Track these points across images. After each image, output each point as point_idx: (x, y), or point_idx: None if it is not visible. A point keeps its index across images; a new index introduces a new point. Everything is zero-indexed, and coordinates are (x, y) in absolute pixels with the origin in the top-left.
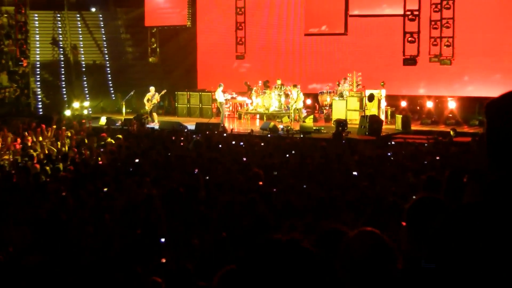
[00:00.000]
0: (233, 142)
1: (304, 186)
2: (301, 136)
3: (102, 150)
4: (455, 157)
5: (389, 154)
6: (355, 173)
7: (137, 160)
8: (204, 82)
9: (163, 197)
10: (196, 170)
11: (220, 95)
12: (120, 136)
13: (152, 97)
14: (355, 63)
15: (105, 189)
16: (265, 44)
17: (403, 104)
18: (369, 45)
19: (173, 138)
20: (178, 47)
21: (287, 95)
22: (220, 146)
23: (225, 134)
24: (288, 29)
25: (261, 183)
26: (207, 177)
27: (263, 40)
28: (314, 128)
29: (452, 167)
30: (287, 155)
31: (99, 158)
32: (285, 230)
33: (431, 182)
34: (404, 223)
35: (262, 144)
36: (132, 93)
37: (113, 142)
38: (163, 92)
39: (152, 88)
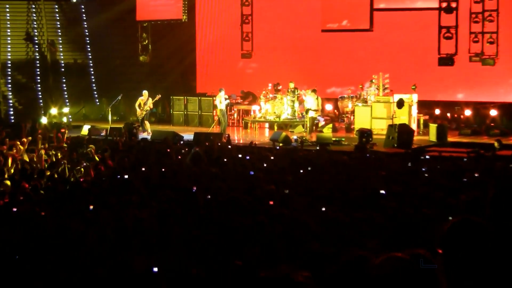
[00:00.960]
0: (239, 156)
1: (323, 209)
2: (318, 148)
3: (84, 164)
4: (501, 174)
5: (421, 170)
6: (382, 191)
7: (126, 176)
8: (204, 85)
9: (155, 220)
10: (195, 188)
11: (222, 101)
12: (106, 148)
13: (144, 102)
14: (381, 63)
15: (91, 207)
16: (275, 41)
17: (438, 111)
18: (398, 42)
19: (168, 150)
20: (174, 45)
21: (301, 101)
22: (223, 160)
23: (229, 146)
24: (303, 23)
25: (271, 202)
26: (208, 196)
27: (273, 36)
28: (334, 139)
29: (497, 185)
30: (301, 171)
31: (81, 174)
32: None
33: (472, 203)
34: (440, 251)
35: (272, 157)
36: (119, 97)
37: (98, 155)
38: (157, 98)
39: (145, 93)
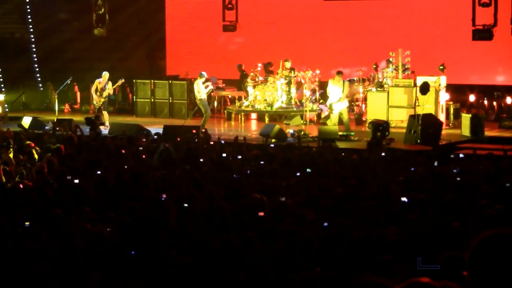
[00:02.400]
0: (224, 155)
1: (325, 224)
2: (321, 145)
3: (24, 166)
4: None
5: (451, 172)
6: (404, 199)
7: (76, 181)
8: (176, 66)
9: (113, 236)
10: (164, 196)
11: (201, 89)
12: (51, 145)
13: (102, 87)
14: (400, 37)
15: (27, 224)
16: (266, 10)
17: (473, 98)
18: (422, 10)
19: (129, 147)
20: (138, 15)
21: (299, 84)
22: (200, 160)
23: (211, 143)
24: None
25: (261, 214)
26: (181, 206)
27: (263, 3)
28: (340, 133)
29: None
30: (298, 174)
31: (19, 179)
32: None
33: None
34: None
35: (262, 160)
36: (68, 81)
37: (39, 154)
38: (119, 83)
39: (104, 74)
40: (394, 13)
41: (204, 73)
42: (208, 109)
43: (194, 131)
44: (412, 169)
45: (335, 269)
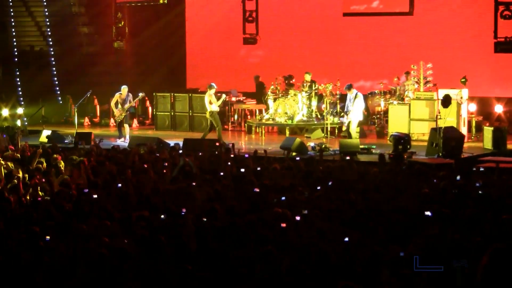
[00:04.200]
0: (242, 170)
1: (346, 239)
2: (342, 158)
3: (44, 180)
4: None
5: (474, 186)
6: (428, 213)
7: (95, 196)
8: (196, 79)
9: (133, 251)
10: (184, 211)
11: (213, 101)
12: (76, 157)
13: (124, 100)
14: (422, 49)
15: (47, 238)
16: (287, 22)
17: (497, 109)
18: (443, 22)
19: (149, 161)
20: (158, 28)
21: (320, 97)
22: (220, 174)
23: (232, 155)
24: (321, 4)
25: (284, 225)
26: (201, 221)
27: (284, 15)
28: (362, 146)
29: None
30: (319, 187)
31: (40, 192)
32: None
33: None
34: None
35: (283, 170)
36: (88, 94)
37: (62, 166)
38: (140, 96)
39: (124, 88)
40: (415, 25)
41: (213, 84)
42: (219, 122)
43: (217, 143)
44: (434, 182)
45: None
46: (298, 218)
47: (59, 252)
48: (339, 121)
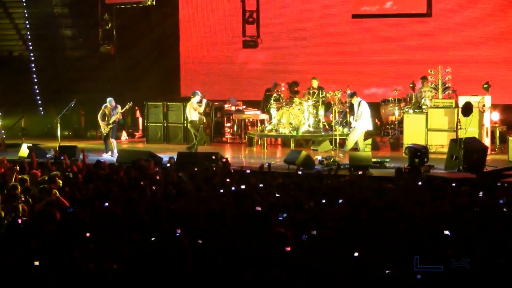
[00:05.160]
0: (242, 187)
1: (355, 254)
2: (352, 173)
3: (23, 199)
4: None
5: (498, 202)
6: (447, 232)
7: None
8: (191, 87)
9: (121, 276)
10: (179, 231)
11: (192, 110)
12: (57, 173)
13: (111, 112)
14: (440, 52)
15: (36, 263)
16: (291, 25)
17: None
18: (464, 24)
19: (140, 177)
20: (149, 30)
21: (328, 106)
22: (219, 191)
23: (231, 171)
24: (328, 5)
25: (288, 249)
26: (198, 242)
27: (288, 16)
28: (374, 160)
29: None
30: (328, 205)
31: (19, 213)
32: None
33: None
34: None
35: (287, 190)
36: (72, 103)
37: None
38: (127, 106)
39: (109, 100)
40: (432, 27)
41: (198, 91)
42: (202, 133)
43: (213, 157)
44: (454, 199)
45: None
46: (304, 238)
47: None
48: (349, 132)
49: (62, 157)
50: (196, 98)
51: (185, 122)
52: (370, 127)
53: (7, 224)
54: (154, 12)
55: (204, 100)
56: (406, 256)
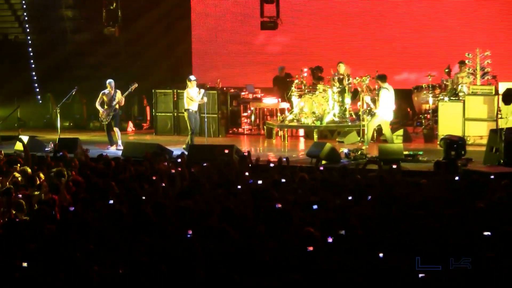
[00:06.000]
0: (259, 182)
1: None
2: (382, 167)
3: (20, 196)
4: None
5: None
6: (487, 233)
7: (82, 215)
8: (204, 72)
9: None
10: (190, 232)
11: (191, 99)
12: (63, 170)
13: (111, 98)
14: (478, 33)
15: (24, 264)
16: (314, 3)
17: None
18: (504, 2)
19: (148, 172)
20: (158, 11)
21: (355, 93)
22: (235, 187)
23: (250, 165)
24: None
25: (311, 248)
26: (211, 244)
27: None
28: (406, 153)
29: None
30: (355, 202)
31: (15, 212)
32: None
33: None
34: None
35: (310, 186)
36: (73, 92)
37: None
38: (132, 88)
39: (110, 83)
40: (470, 6)
41: (192, 77)
42: (197, 124)
43: (226, 150)
44: (494, 195)
45: None
46: (330, 239)
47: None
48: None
49: (61, 153)
50: (192, 84)
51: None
52: (390, 117)
53: (3, 224)
54: None
55: (202, 90)
56: (439, 258)
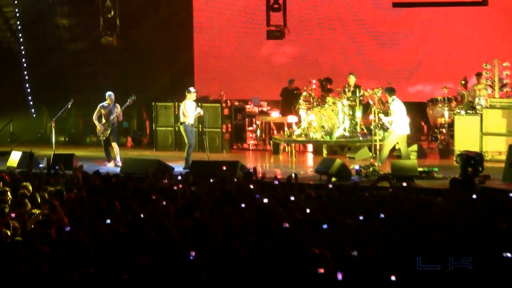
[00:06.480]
0: (265, 200)
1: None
2: (394, 184)
3: (13, 215)
4: None
5: None
6: (508, 254)
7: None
8: (207, 84)
9: None
10: (193, 254)
11: (186, 112)
12: (51, 189)
13: (109, 112)
14: (497, 44)
15: None
16: (323, 12)
17: None
18: None
19: (149, 190)
20: (158, 20)
21: (367, 106)
22: (239, 206)
23: (253, 183)
24: None
25: (321, 270)
26: (215, 266)
27: (320, 4)
28: (420, 169)
29: None
30: (366, 221)
31: (7, 231)
32: None
33: None
34: None
35: (318, 204)
36: (69, 104)
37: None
38: (130, 101)
39: (109, 95)
40: (488, 16)
41: (192, 88)
42: (191, 139)
43: (224, 167)
44: None
45: None
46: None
47: None
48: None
49: (57, 167)
50: (191, 97)
51: (201, 127)
52: (408, 130)
53: None
54: None
55: (199, 110)
56: (455, 281)
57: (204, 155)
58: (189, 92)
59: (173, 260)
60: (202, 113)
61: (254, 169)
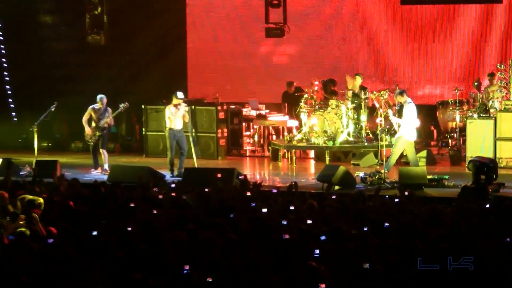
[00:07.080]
0: (264, 210)
1: None
2: (402, 192)
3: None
4: None
5: None
6: None
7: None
8: (201, 86)
9: None
10: (187, 268)
11: (174, 115)
12: (39, 199)
13: (100, 115)
14: (509, 42)
15: None
16: (326, 9)
17: None
18: None
19: (140, 200)
20: (149, 17)
21: (372, 110)
22: (236, 216)
23: (248, 193)
24: None
25: (323, 286)
26: (209, 280)
27: (323, 1)
28: (430, 177)
29: None
30: (372, 232)
31: None
32: None
33: None
34: None
35: (321, 214)
36: (52, 108)
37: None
38: (122, 107)
39: (101, 98)
40: (502, 14)
41: (179, 93)
42: (181, 144)
43: (219, 175)
44: None
45: None
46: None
47: None
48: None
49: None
50: (180, 95)
51: (194, 131)
52: (415, 137)
53: None
54: None
55: (186, 107)
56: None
57: (201, 161)
58: (176, 96)
59: (165, 275)
60: (184, 112)
61: (245, 176)
